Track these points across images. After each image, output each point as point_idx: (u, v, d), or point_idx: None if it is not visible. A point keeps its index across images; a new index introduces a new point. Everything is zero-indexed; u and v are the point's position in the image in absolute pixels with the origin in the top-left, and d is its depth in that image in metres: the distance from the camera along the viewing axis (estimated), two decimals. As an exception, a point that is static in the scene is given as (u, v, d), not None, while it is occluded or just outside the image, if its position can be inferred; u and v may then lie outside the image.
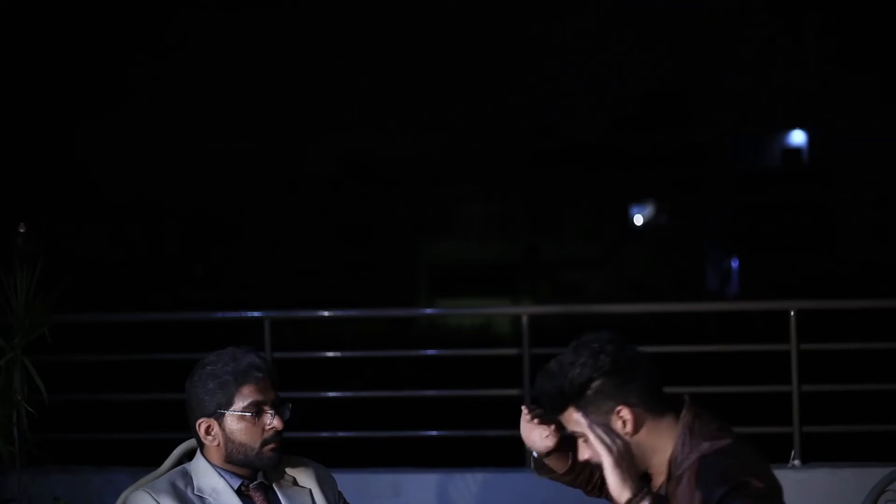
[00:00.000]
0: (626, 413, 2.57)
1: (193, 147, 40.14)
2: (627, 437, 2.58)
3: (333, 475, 3.10)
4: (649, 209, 41.08)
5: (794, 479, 5.30)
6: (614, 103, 41.30)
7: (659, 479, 2.64)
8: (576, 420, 2.59)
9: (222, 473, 2.90)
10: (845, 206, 38.55)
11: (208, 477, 2.90)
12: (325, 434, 6.35)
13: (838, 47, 41.04)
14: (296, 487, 2.98)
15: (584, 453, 2.62)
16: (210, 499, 2.87)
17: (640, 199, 40.83)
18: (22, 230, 4.81)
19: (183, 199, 38.88)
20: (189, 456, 3.05)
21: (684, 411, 2.64)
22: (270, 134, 39.85)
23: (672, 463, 2.59)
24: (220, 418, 2.87)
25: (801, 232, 38.63)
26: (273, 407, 2.90)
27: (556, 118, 41.41)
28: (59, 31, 41.82)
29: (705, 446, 2.59)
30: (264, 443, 2.88)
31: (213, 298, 29.17)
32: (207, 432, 2.89)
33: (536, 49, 43.03)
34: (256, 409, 2.87)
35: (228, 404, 2.87)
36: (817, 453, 5.56)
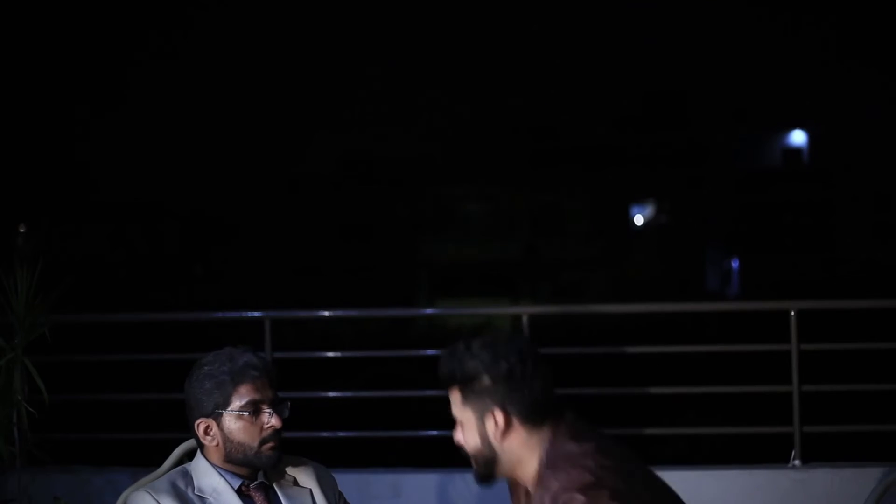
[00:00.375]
0: (500, 418, 2.67)
1: (193, 147, 40.14)
2: (496, 442, 2.69)
3: (333, 475, 3.10)
4: (650, 209, 41.10)
5: (794, 480, 5.30)
6: (615, 103, 41.31)
7: (530, 491, 2.72)
8: (458, 405, 2.72)
9: (222, 473, 2.90)
10: (845, 206, 38.55)
11: (208, 477, 2.90)
12: (325, 434, 6.35)
13: (839, 47, 41.05)
14: (296, 487, 2.98)
15: (457, 436, 2.75)
16: (210, 499, 2.87)
17: (640, 200, 40.84)
18: (22, 230, 4.81)
19: (183, 199, 38.88)
20: (189, 456, 3.05)
21: (550, 436, 2.69)
22: (270, 134, 39.86)
23: (534, 480, 2.68)
24: (218, 418, 2.87)
25: (801, 232, 38.63)
26: (271, 405, 2.90)
27: (556, 118, 41.41)
28: (58, 32, 41.83)
29: (554, 485, 2.63)
30: (263, 441, 2.88)
31: (213, 298, 29.17)
32: (206, 432, 2.89)
33: (537, 49, 43.05)
34: (254, 408, 2.88)
35: (226, 404, 2.87)
36: (818, 453, 5.55)
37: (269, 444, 2.89)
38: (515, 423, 2.69)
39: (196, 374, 2.91)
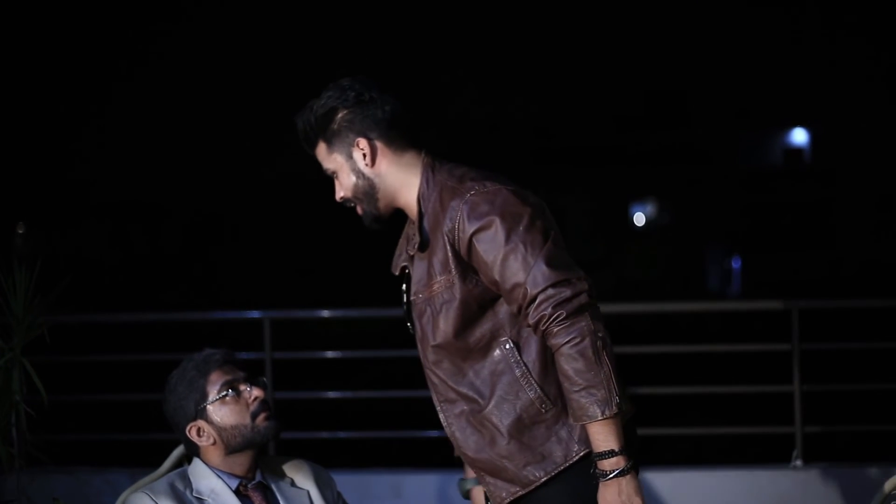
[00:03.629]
0: (364, 144, 2.74)
1: (193, 147, 40.15)
2: (368, 170, 2.75)
3: (333, 476, 3.09)
4: (651, 209, 41.10)
5: (795, 480, 5.29)
6: (616, 103, 41.30)
7: (414, 215, 2.79)
8: (326, 156, 2.79)
9: (220, 475, 2.91)
10: (847, 206, 38.55)
11: (206, 479, 2.91)
12: (325, 434, 6.34)
13: (840, 46, 41.05)
14: (294, 488, 2.98)
15: (338, 192, 2.81)
16: (209, 500, 2.87)
17: (641, 199, 40.85)
18: (21, 230, 4.79)
19: (182, 199, 38.90)
20: (188, 458, 3.05)
21: (424, 152, 2.80)
22: (270, 133, 39.86)
23: (420, 200, 2.75)
24: (203, 415, 2.89)
25: (802, 231, 38.64)
26: (245, 381, 2.91)
27: (557, 117, 41.41)
28: (57, 32, 41.84)
29: (444, 177, 2.74)
30: (254, 415, 2.90)
31: (214, 298, 29.17)
32: (199, 434, 2.90)
33: (538, 48, 43.06)
34: (231, 388, 2.91)
35: (204, 397, 2.90)
36: (819, 453, 5.54)
37: (262, 416, 2.90)
38: (380, 146, 2.75)
39: (167, 390, 2.96)
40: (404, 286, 2.84)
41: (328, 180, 2.86)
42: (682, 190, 39.52)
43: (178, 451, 3.37)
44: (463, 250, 2.66)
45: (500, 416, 2.70)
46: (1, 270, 4.54)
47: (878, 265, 33.56)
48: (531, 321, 2.62)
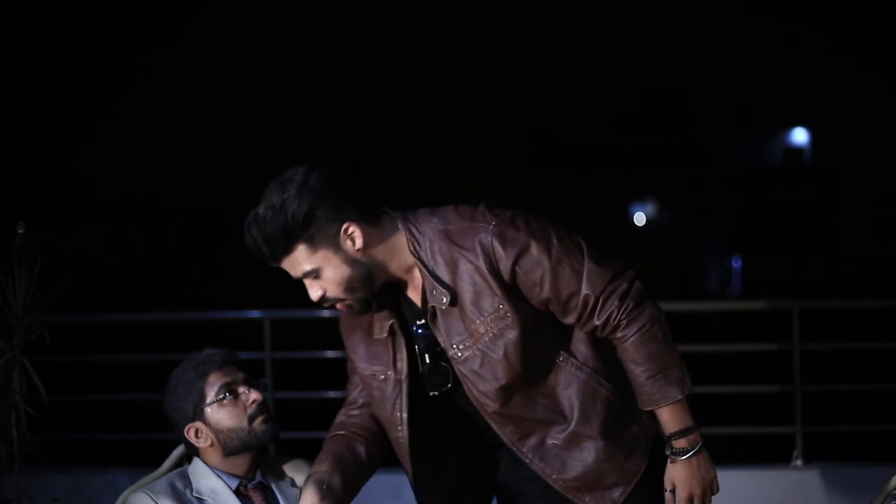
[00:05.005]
0: (353, 229, 2.58)
1: (192, 147, 40.14)
2: (360, 255, 2.59)
3: (333, 476, 3.08)
4: (650, 208, 41.09)
5: (796, 480, 5.29)
6: (615, 103, 41.29)
7: (411, 273, 2.67)
8: (307, 257, 2.58)
9: (220, 474, 2.91)
10: (847, 205, 38.54)
11: (206, 479, 2.91)
12: (324, 434, 6.33)
13: (841, 46, 41.05)
14: (294, 488, 2.98)
15: (317, 292, 2.62)
16: (209, 500, 2.88)
17: (640, 199, 40.84)
18: (21, 230, 4.79)
19: (182, 199, 38.89)
20: (188, 458, 3.06)
21: (394, 213, 2.67)
22: (270, 133, 39.86)
23: (415, 251, 2.62)
24: (201, 416, 2.89)
25: (803, 231, 38.62)
26: (245, 384, 2.90)
27: (556, 118, 41.40)
28: (57, 32, 41.85)
29: (434, 222, 2.64)
30: (251, 418, 2.89)
31: (213, 298, 29.17)
32: (197, 435, 2.90)
33: (537, 49, 43.05)
34: (229, 390, 2.89)
35: (202, 399, 2.89)
36: (819, 453, 5.54)
37: (259, 419, 2.89)
38: (364, 225, 2.60)
39: (167, 389, 2.95)
40: (417, 347, 2.71)
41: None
42: (682, 190, 39.51)
43: (178, 451, 3.37)
44: (507, 279, 2.61)
45: (589, 423, 2.67)
46: (1, 270, 4.54)
47: (878, 265, 33.54)
48: (598, 321, 2.62)
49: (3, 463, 4.53)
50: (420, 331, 2.70)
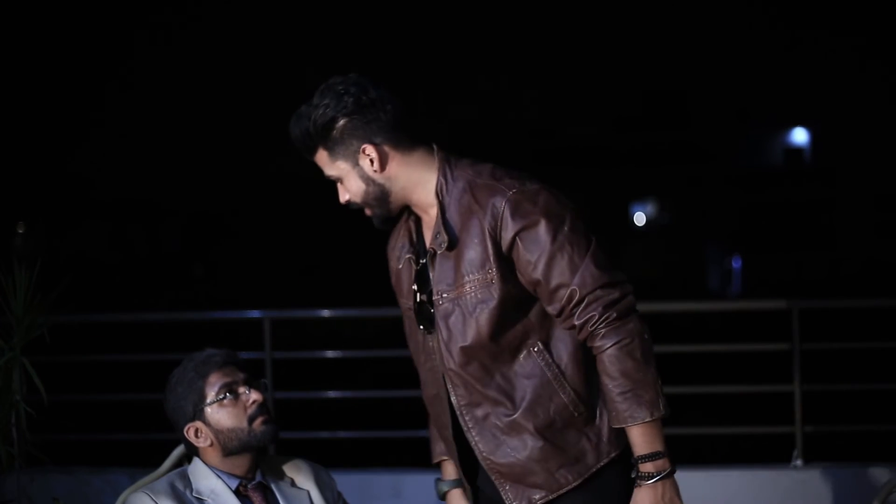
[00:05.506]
0: (371, 151, 2.66)
1: (192, 147, 40.12)
2: (377, 175, 2.67)
3: (333, 476, 3.09)
4: (650, 208, 41.09)
5: (795, 480, 5.29)
6: (615, 103, 41.29)
7: (431, 211, 2.71)
8: (329, 163, 2.70)
9: (220, 475, 2.91)
10: (847, 205, 38.54)
11: (206, 479, 2.90)
12: (325, 434, 6.33)
13: (840, 46, 41.03)
14: (294, 488, 2.98)
15: (343, 195, 2.74)
16: (209, 500, 2.87)
17: (641, 199, 40.84)
18: (21, 230, 4.79)
19: (182, 199, 38.89)
20: (188, 458, 3.05)
21: (436, 147, 2.73)
22: (270, 133, 39.85)
23: (440, 192, 2.68)
24: (201, 416, 2.89)
25: (802, 231, 38.63)
26: (245, 384, 2.90)
27: (556, 118, 41.40)
28: (57, 32, 41.83)
29: (469, 173, 2.68)
30: (251, 419, 2.88)
31: (213, 298, 29.18)
32: (197, 435, 2.90)
33: (538, 49, 43.04)
34: (229, 391, 2.89)
35: (202, 399, 2.89)
36: (819, 453, 5.54)
37: (259, 419, 2.88)
38: (388, 150, 2.67)
39: (167, 389, 2.95)
40: (415, 285, 2.78)
41: (328, 180, 2.80)
42: (682, 190, 39.52)
43: (178, 450, 3.36)
44: (505, 248, 2.61)
45: (532, 419, 2.65)
46: (1, 270, 4.54)
47: (878, 265, 33.56)
48: (577, 322, 2.60)
49: (3, 463, 4.53)
50: (420, 269, 2.76)
